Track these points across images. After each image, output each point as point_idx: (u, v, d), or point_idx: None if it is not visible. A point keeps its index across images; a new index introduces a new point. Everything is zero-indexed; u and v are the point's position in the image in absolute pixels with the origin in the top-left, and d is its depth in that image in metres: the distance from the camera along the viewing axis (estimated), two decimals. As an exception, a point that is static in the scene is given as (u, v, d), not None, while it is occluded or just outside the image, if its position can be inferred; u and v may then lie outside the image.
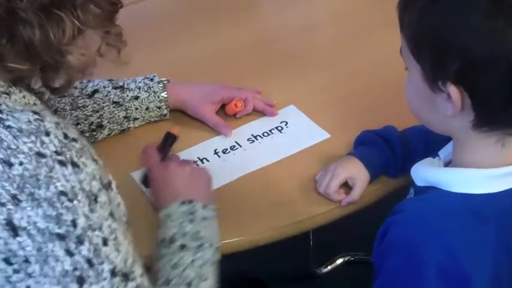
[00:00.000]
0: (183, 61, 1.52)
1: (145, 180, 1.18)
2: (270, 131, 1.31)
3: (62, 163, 0.81)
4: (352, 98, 1.37)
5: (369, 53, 1.50)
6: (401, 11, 0.89)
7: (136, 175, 1.23)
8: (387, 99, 1.32)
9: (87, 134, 1.27)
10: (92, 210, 0.81)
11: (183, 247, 1.01)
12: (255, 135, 1.30)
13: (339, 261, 1.99)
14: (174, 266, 0.99)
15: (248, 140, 1.29)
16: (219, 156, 1.26)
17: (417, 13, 0.86)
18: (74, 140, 0.84)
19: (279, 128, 1.31)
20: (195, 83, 1.35)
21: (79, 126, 1.25)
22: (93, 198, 0.82)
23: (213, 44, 1.57)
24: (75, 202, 0.80)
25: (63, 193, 0.80)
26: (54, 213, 0.79)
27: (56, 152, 0.81)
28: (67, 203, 0.80)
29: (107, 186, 0.87)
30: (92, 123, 1.27)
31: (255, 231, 1.12)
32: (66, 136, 0.83)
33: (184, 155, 1.26)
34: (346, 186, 1.15)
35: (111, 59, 0.99)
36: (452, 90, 0.84)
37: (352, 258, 2.00)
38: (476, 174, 0.89)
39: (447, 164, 0.97)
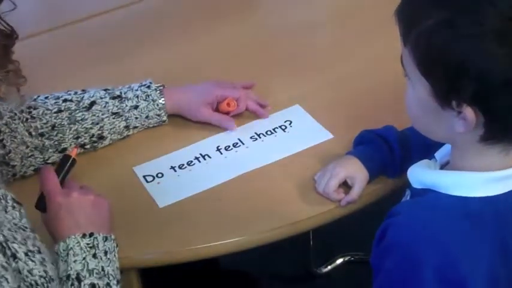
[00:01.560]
0: (183, 61, 1.52)
1: (42, 204, 1.08)
2: (274, 129, 1.31)
3: None
4: (355, 98, 1.37)
5: (370, 53, 1.49)
6: (406, 26, 0.87)
7: (139, 169, 1.23)
8: (389, 99, 1.31)
9: (88, 146, 1.25)
10: None
11: (93, 286, 0.97)
12: (258, 133, 1.30)
13: (339, 261, 1.99)
14: None
15: (251, 138, 1.29)
16: (221, 153, 1.26)
17: (428, 34, 0.84)
18: None
19: (283, 127, 1.31)
20: (189, 85, 1.34)
21: (79, 140, 1.24)
22: None
23: (214, 44, 1.57)
24: None
25: None
26: None
27: None
28: None
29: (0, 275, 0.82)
30: (93, 135, 1.25)
31: (255, 231, 1.12)
32: None
33: (186, 151, 1.27)
34: (346, 186, 1.15)
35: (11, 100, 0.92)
36: (469, 111, 0.83)
37: (352, 258, 2.00)
38: (475, 177, 0.89)
39: (444, 166, 0.97)
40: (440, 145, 0.99)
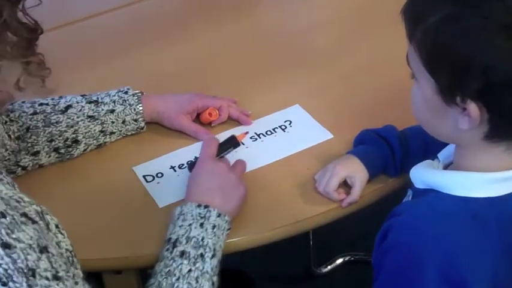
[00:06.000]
0: (183, 61, 1.52)
1: (191, 165, 1.18)
2: (274, 129, 1.31)
3: None
4: (354, 98, 1.37)
5: (369, 53, 1.49)
6: (412, 23, 0.87)
7: (139, 169, 1.23)
8: (389, 98, 1.31)
9: (62, 151, 1.24)
10: (30, 286, 0.75)
11: (183, 254, 1.00)
12: (258, 133, 1.30)
13: (339, 261, 2.00)
14: (168, 274, 0.99)
15: (251, 138, 1.29)
16: (221, 154, 1.26)
17: (433, 29, 0.83)
18: (2, 215, 0.76)
19: (283, 127, 1.31)
20: (169, 94, 1.33)
21: (53, 143, 1.22)
22: (30, 274, 0.75)
23: (214, 44, 1.57)
24: (10, 284, 0.74)
25: None
26: None
27: None
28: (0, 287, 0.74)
29: (47, 239, 0.80)
30: (67, 139, 1.23)
31: (255, 231, 1.12)
32: None
33: (186, 151, 1.26)
34: (346, 185, 1.15)
35: (34, 90, 0.91)
36: (473, 107, 0.83)
37: (352, 258, 2.00)
38: (478, 177, 0.89)
39: (446, 166, 0.97)
40: (440, 144, 0.99)
